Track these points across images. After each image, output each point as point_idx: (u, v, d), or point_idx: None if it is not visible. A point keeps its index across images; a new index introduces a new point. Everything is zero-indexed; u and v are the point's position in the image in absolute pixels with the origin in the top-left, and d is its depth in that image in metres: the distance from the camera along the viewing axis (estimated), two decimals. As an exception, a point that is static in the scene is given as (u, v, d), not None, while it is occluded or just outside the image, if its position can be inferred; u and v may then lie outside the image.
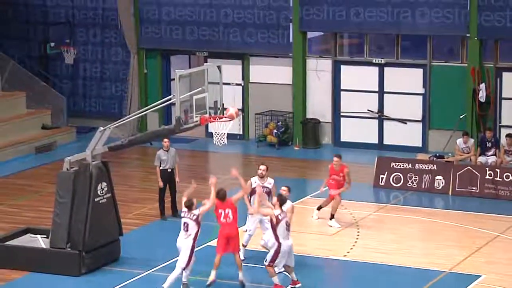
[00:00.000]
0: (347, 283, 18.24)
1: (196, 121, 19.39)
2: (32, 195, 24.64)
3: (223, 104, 19.85)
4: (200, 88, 19.37)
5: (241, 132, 30.35)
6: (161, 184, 22.11)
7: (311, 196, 24.46)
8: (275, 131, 29.62)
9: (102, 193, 19.15)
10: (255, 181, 19.57)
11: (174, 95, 19.26)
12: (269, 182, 19.52)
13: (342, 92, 29.53)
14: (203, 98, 19.39)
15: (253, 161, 28.72)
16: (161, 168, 22.14)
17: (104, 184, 19.21)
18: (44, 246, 19.46)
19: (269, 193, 19.14)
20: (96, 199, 19.01)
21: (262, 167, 19.71)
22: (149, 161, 28.51)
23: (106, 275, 18.73)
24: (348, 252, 20.03)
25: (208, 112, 19.44)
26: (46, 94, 31.27)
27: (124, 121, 20.27)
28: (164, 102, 20.24)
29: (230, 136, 20.71)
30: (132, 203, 23.55)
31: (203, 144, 29.59)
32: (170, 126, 20.09)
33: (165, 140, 22.05)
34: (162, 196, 22.26)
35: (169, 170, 22.18)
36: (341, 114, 29.62)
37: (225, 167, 27.81)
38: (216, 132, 19.76)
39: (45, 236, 19.64)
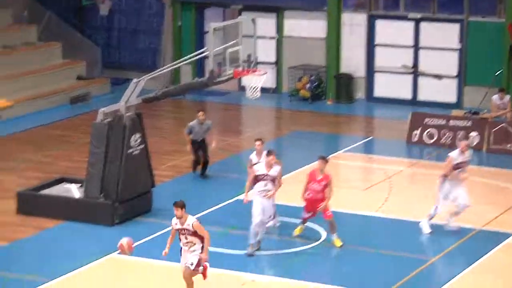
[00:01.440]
0: (378, 239, 18.22)
1: (230, 74, 19.32)
2: (67, 145, 24.76)
3: (256, 58, 19.76)
4: (234, 41, 19.26)
5: (274, 86, 30.25)
6: (193, 156, 21.73)
7: (343, 151, 24.37)
8: (308, 85, 29.50)
9: (135, 144, 19.18)
10: (253, 158, 18.69)
11: (207, 48, 19.18)
12: (275, 170, 17.52)
13: (376, 47, 29.31)
14: (237, 51, 19.30)
15: (286, 115, 28.71)
16: (192, 138, 21.59)
17: (138, 135, 19.23)
18: (78, 196, 19.59)
19: (273, 180, 17.64)
20: (129, 151, 19.05)
21: (258, 142, 18.93)
22: (182, 114, 28.62)
23: (138, 225, 18.83)
24: (379, 208, 19.98)
25: (241, 66, 19.35)
26: (82, 45, 31.31)
27: (157, 73, 20.21)
28: (197, 55, 20.17)
29: (263, 90, 20.64)
30: (165, 155, 23.60)
31: (236, 97, 29.54)
32: (203, 79, 20.03)
33: (201, 113, 21.50)
34: (195, 166, 21.99)
35: (199, 140, 21.64)
36: (375, 69, 29.43)
37: (258, 120, 27.83)
38: (249, 86, 19.69)
39: (79, 185, 19.76)
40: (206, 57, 19.52)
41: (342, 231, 18.27)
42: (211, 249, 15.12)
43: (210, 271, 15.10)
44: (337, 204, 19.51)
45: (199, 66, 30.79)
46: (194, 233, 14.56)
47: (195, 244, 14.62)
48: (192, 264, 14.56)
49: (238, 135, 26.31)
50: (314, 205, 17.60)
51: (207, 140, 21.69)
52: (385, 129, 26.63)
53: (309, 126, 26.94)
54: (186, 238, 14.63)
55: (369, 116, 28.63)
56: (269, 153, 17.62)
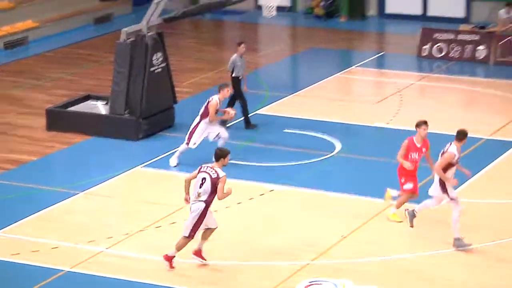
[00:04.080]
0: (389, 149, 18.23)
1: (246, -6, 19.14)
2: (92, 64, 24.76)
3: (272, -22, 19.57)
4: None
5: (290, 5, 29.99)
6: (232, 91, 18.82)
7: (356, 66, 24.28)
8: (322, 3, 29.23)
9: (158, 62, 19.15)
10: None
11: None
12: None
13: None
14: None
15: (301, 33, 28.54)
16: (233, 75, 19.30)
17: (159, 54, 19.19)
18: (104, 112, 19.65)
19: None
20: (151, 69, 19.03)
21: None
22: (201, 33, 28.51)
23: (162, 140, 18.93)
24: (391, 120, 19.97)
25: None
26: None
27: (177, -6, 20.02)
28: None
29: (279, 9, 20.52)
30: (186, 72, 23.57)
31: (253, 16, 29.33)
32: (221, -1, 19.89)
33: (242, 45, 19.42)
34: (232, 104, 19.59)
35: (240, 78, 19.43)
36: (387, -14, 29.14)
37: (274, 38, 27.69)
38: (265, 5, 19.52)
39: (105, 102, 19.81)
40: (223, -23, 19.34)
41: (356, 142, 18.32)
42: (238, 162, 14.85)
43: (232, 182, 15.20)
44: (350, 117, 19.53)
45: (216, -14, 30.51)
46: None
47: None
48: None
49: (255, 52, 26.20)
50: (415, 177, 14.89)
51: (244, 80, 19.58)
52: (396, 44, 26.48)
53: (324, 43, 26.79)
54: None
55: (381, 32, 28.44)
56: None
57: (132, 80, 18.97)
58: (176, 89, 20.11)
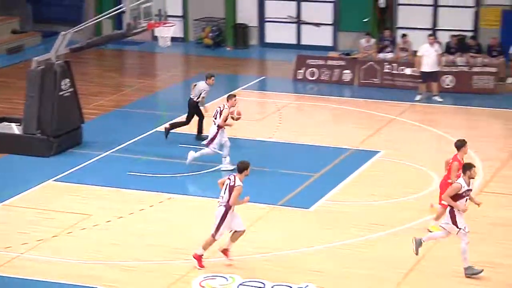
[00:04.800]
0: (272, 160, 18.44)
1: (144, 27, 19.11)
2: (6, 90, 24.19)
3: (166, 12, 19.55)
4: (146, -2, 19.00)
5: (182, 36, 29.98)
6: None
7: (241, 89, 24.45)
8: (210, 34, 29.33)
9: (66, 87, 18.90)
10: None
11: (124, 4, 18.90)
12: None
13: (266, 1, 29.24)
14: (149, 6, 19.06)
15: (192, 60, 28.55)
16: (196, 100, 19.27)
17: (67, 80, 18.94)
18: (18, 132, 19.24)
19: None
20: (60, 93, 18.77)
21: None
22: (104, 61, 28.21)
23: (71, 156, 18.65)
24: (273, 134, 20.18)
25: (153, 19, 19.13)
26: (15, 3, 30.39)
27: (82, 27, 19.84)
28: (116, 10, 19.84)
29: (173, 39, 20.48)
30: (91, 96, 23.28)
31: (150, 46, 29.18)
32: (121, 31, 19.78)
33: (213, 78, 19.42)
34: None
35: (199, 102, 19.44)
36: (266, 19, 29.41)
37: (169, 65, 27.61)
38: (161, 36, 19.50)
39: (18, 124, 19.40)
40: (123, 12, 19.23)
41: (243, 154, 18.45)
42: (139, 173, 14.93)
43: (135, 192, 15.15)
44: (236, 132, 19.67)
45: (117, 20, 30.25)
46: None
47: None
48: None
49: (153, 77, 26.11)
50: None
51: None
52: (275, 69, 26.76)
53: (213, 69, 26.82)
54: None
55: (262, 59, 28.68)
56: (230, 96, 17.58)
57: (43, 103, 18.66)
58: (83, 110, 19.86)
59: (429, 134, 20.13)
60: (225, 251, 13.53)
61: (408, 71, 24.13)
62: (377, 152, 18.72)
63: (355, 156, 18.54)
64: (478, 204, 13.32)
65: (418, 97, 22.76)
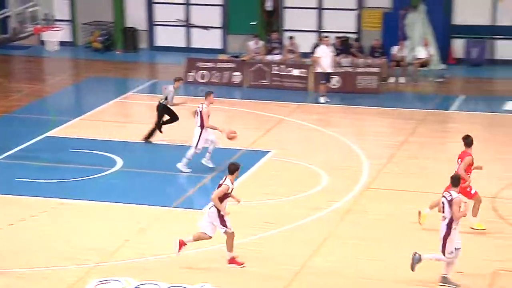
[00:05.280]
0: (165, 162, 18.36)
1: (30, 31, 18.75)
2: None
3: (53, 16, 19.24)
4: (33, 2, 18.63)
5: (71, 40, 29.50)
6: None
7: (132, 92, 24.28)
8: (99, 38, 28.99)
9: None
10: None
11: (9, 9, 18.49)
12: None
13: (154, 4, 29.13)
14: (36, 10, 18.71)
15: (81, 64, 28.16)
16: (167, 103, 19.36)
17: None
18: None
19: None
20: None
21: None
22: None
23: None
24: (167, 137, 20.05)
25: (40, 23, 18.79)
26: None
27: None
28: (0, 14, 19.37)
29: (61, 43, 20.18)
30: (-22, 102, 22.68)
31: (38, 50, 28.60)
32: (7, 35, 19.34)
33: (181, 81, 19.76)
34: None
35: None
36: (155, 22, 29.29)
37: (58, 69, 27.14)
38: (48, 40, 19.18)
39: None
40: (8, 16, 18.80)
41: (137, 157, 18.32)
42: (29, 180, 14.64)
43: (26, 198, 14.84)
44: (129, 136, 19.51)
45: (3, 24, 29.51)
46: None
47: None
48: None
49: (42, 82, 25.60)
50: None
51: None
52: (166, 73, 26.67)
53: (102, 73, 26.58)
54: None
55: (152, 62, 28.56)
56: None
57: None
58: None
59: (318, 134, 20.50)
60: (182, 243, 13.37)
61: (296, 72, 24.50)
62: (268, 152, 18.93)
63: (246, 157, 18.67)
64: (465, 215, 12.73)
65: (322, 99, 22.99)
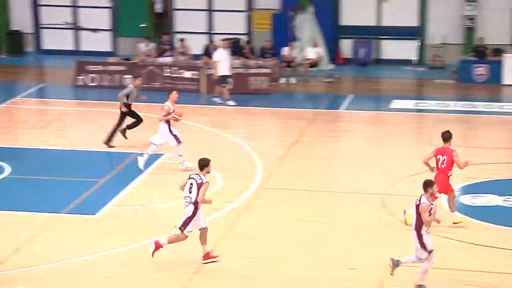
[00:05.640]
0: (57, 167, 17.92)
1: None
2: None
3: None
4: None
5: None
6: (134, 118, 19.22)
7: (19, 97, 23.64)
8: (-17, 42, 28.12)
9: None
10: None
11: None
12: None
13: (40, 7, 28.46)
14: None
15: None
16: (128, 102, 19.16)
17: None
18: None
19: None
20: None
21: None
22: None
23: None
24: (56, 142, 19.59)
25: None
26: None
27: None
28: None
29: None
30: None
31: None
32: None
33: (140, 79, 19.81)
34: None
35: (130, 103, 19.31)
36: (41, 25, 28.62)
37: None
38: None
39: None
40: None
41: (26, 163, 17.80)
42: None
43: None
44: (18, 142, 18.93)
45: None
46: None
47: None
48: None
49: None
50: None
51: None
52: (54, 76, 26.15)
53: (-12, 77, 25.78)
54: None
55: (40, 66, 27.91)
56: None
57: None
58: None
59: (211, 135, 20.44)
60: (206, 256, 13.31)
61: (187, 74, 24.40)
62: (162, 154, 18.73)
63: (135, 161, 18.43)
64: (439, 221, 12.46)
65: (231, 103, 22.85)
